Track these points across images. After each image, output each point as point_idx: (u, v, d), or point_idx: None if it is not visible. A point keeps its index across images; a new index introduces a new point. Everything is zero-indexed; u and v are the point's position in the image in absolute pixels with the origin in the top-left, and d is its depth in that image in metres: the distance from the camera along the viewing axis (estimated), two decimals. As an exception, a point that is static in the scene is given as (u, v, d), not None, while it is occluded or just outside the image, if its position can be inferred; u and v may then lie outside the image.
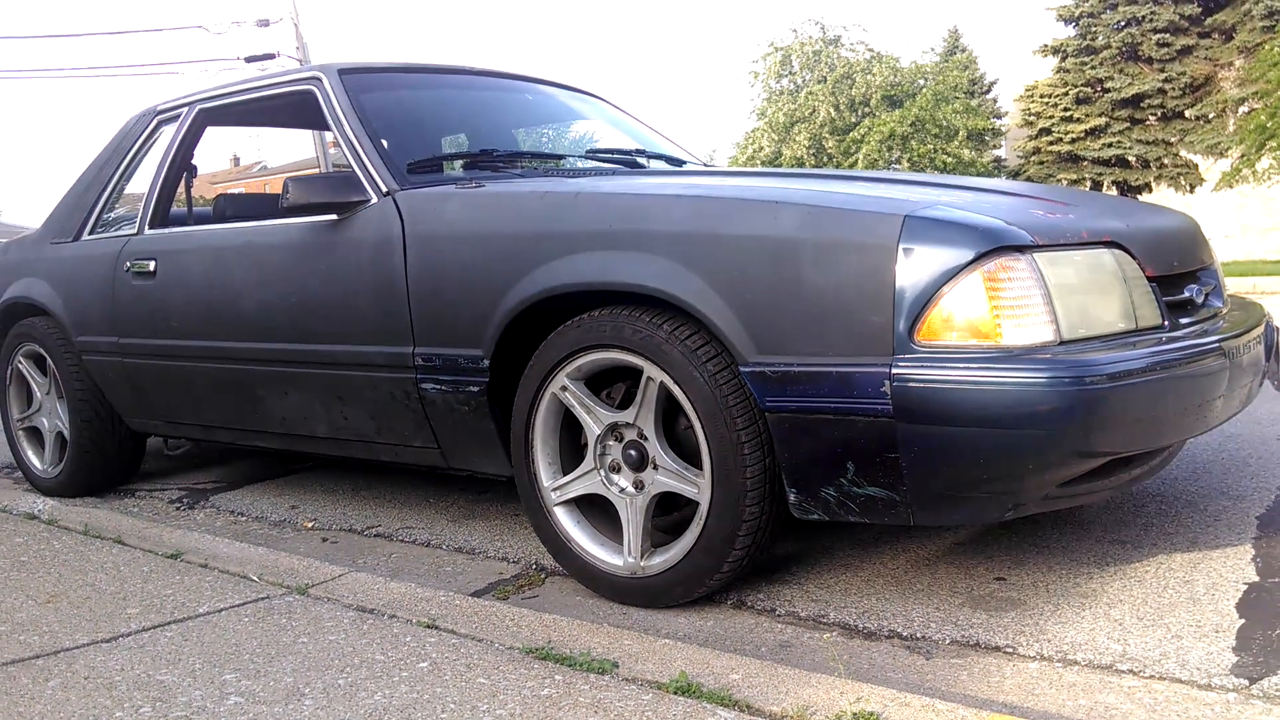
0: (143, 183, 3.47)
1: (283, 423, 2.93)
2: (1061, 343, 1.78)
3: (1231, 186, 21.23)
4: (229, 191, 3.59)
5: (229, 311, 2.91)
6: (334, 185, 2.61)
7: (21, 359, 3.68)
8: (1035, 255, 1.80)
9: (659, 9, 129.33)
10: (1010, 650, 1.86)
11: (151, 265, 3.14)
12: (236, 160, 47.61)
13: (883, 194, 2.06)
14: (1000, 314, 1.75)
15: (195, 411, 3.21)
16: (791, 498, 1.97)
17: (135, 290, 3.19)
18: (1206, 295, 2.25)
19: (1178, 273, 2.17)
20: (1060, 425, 1.72)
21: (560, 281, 2.17)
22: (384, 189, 2.57)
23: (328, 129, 2.89)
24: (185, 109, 3.38)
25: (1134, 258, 1.98)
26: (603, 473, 2.22)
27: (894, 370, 1.78)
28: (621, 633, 1.77)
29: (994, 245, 1.77)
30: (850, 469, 1.88)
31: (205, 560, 2.30)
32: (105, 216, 3.53)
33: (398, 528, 2.97)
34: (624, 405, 2.21)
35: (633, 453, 2.17)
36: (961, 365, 1.74)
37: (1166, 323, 1.99)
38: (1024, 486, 1.83)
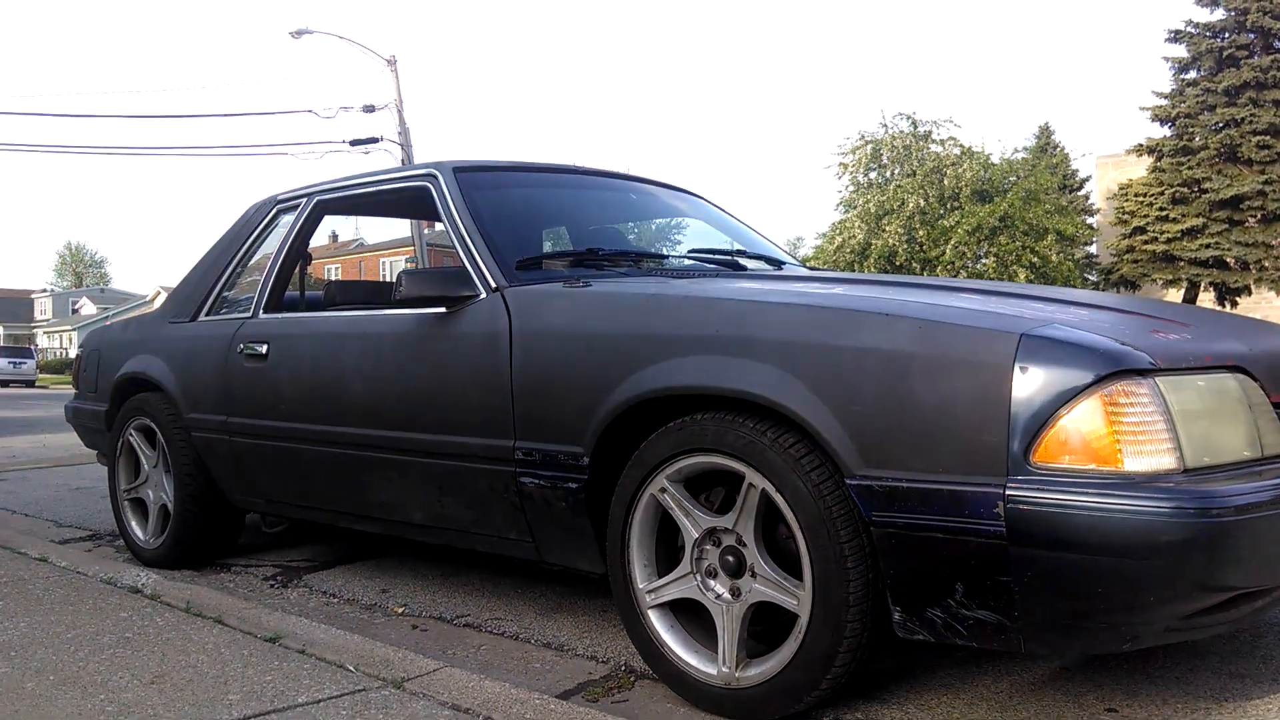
0: (260, 268, 3.62)
1: (381, 508, 2.98)
2: (1185, 471, 1.72)
3: (1333, 289, 20.58)
4: (339, 280, 3.71)
5: (336, 396, 2.99)
6: (446, 280, 2.68)
7: (133, 432, 3.81)
8: (1157, 379, 1.76)
9: (743, 99, 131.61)
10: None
11: (264, 348, 3.25)
12: (335, 237, 49.27)
13: (996, 308, 2.04)
14: (1121, 439, 1.71)
15: (296, 492, 3.28)
16: (896, 616, 1.93)
17: (247, 372, 3.30)
18: None
19: None
20: (1184, 558, 1.66)
21: (664, 384, 2.18)
22: (493, 285, 2.63)
23: (439, 220, 2.98)
24: (304, 199, 3.52)
25: (1258, 382, 1.93)
26: (699, 577, 2.20)
27: (1008, 491, 1.73)
28: (720, 751, 1.73)
29: (1115, 368, 1.73)
30: (959, 590, 1.83)
31: (303, 646, 2.32)
32: (223, 299, 3.67)
33: (487, 618, 2.96)
34: (723, 510, 2.20)
35: (730, 559, 2.15)
36: (1080, 490, 1.69)
37: None
38: (1143, 619, 1.75)
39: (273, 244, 3.55)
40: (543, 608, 3.05)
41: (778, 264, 3.38)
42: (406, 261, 36.43)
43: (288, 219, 3.55)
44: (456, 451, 2.64)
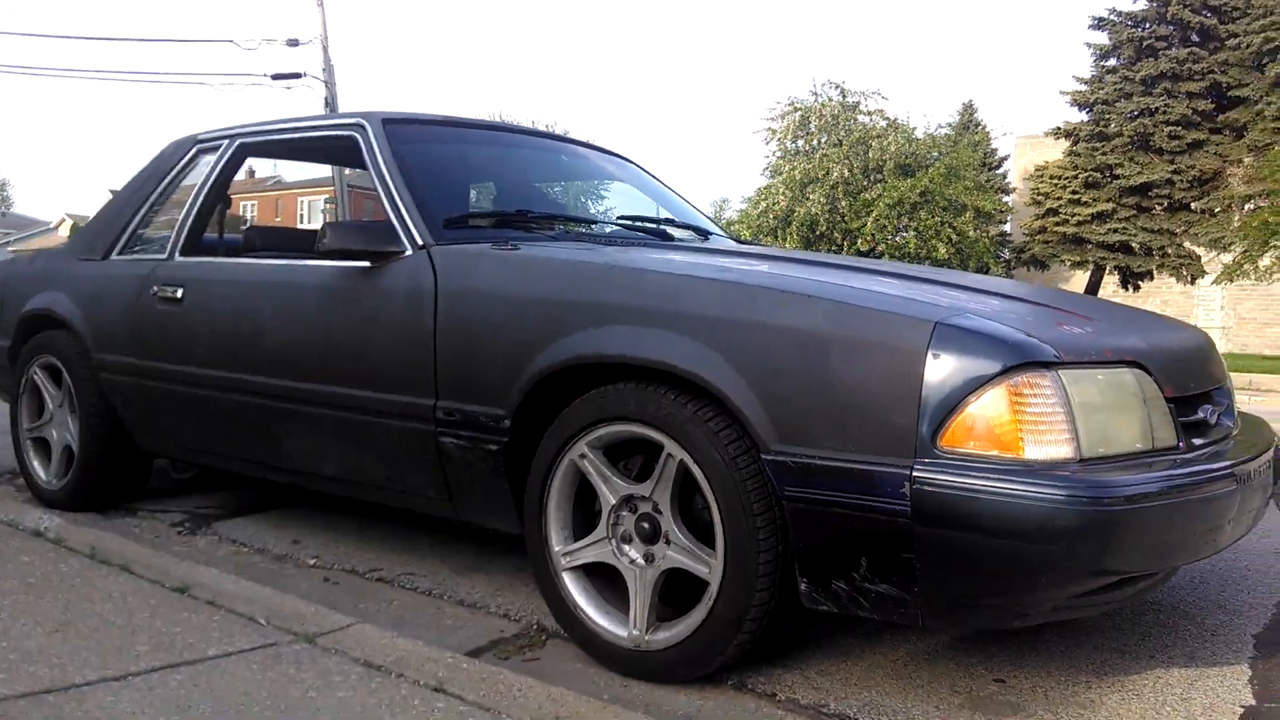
0: (176, 209, 3.53)
1: (295, 459, 2.96)
2: (1081, 460, 1.81)
3: (1232, 280, 21.45)
4: (259, 225, 3.64)
5: (252, 345, 2.95)
6: (371, 234, 2.66)
7: (38, 370, 3.70)
8: (1060, 372, 1.84)
9: (675, 60, 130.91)
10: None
11: (179, 292, 3.18)
12: (252, 173, 47.81)
13: (914, 295, 2.11)
14: (1023, 428, 1.79)
15: (207, 438, 3.24)
16: (802, 587, 2.00)
17: (160, 314, 3.23)
18: (1219, 416, 2.28)
19: (1193, 393, 2.21)
20: (1076, 543, 1.75)
21: (589, 351, 2.21)
22: (420, 242, 2.61)
23: (365, 168, 2.94)
24: (226, 141, 3.43)
25: (1153, 378, 2.02)
26: (614, 542, 2.25)
27: (915, 473, 1.81)
28: (629, 714, 1.78)
29: (1021, 360, 1.81)
30: (864, 565, 1.90)
31: (212, 597, 2.31)
32: (136, 238, 3.58)
33: (400, 573, 2.97)
34: (641, 477, 2.24)
35: (646, 525, 2.20)
36: (982, 474, 1.77)
37: (1181, 444, 2.03)
38: (1034, 598, 1.85)
39: (191, 185, 3.46)
40: (457, 565, 3.06)
41: (705, 234, 3.41)
42: (326, 202, 35.60)
43: (208, 159, 3.46)
44: (375, 407, 2.63)
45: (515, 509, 2.44)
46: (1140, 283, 25.90)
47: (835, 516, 1.90)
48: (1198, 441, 2.11)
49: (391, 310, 2.60)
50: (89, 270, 3.60)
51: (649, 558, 2.20)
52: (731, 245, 3.27)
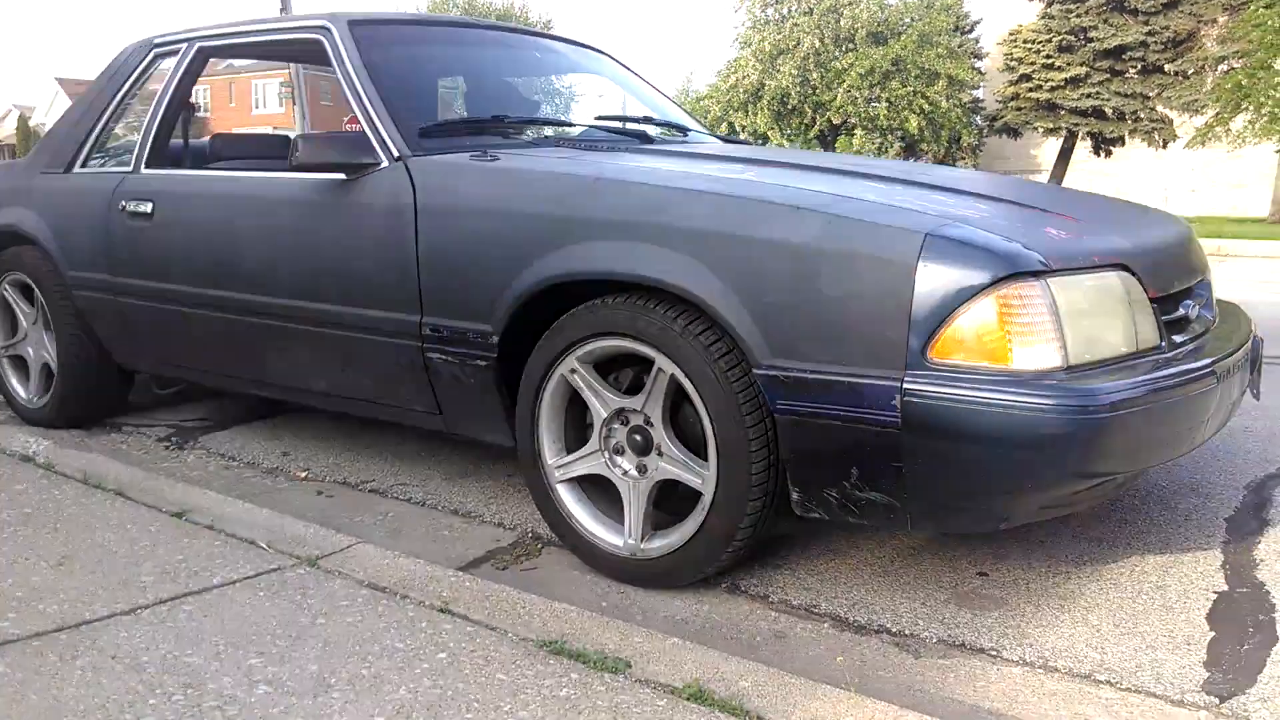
0: (137, 117, 3.42)
1: (281, 375, 2.95)
2: (1068, 368, 1.84)
3: (1204, 144, 21.40)
4: (225, 133, 3.54)
5: (229, 261, 2.90)
6: (345, 146, 2.59)
7: (8, 287, 3.64)
8: (1049, 280, 1.85)
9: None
10: (995, 653, 1.96)
11: (148, 207, 3.10)
12: (202, 55, 46.12)
13: (901, 202, 2.09)
14: (1011, 338, 1.81)
15: (189, 355, 3.22)
16: (794, 495, 2.04)
17: (131, 230, 3.16)
18: (1199, 309, 2.31)
19: (1176, 290, 2.23)
20: (1062, 449, 1.79)
21: (578, 268, 2.19)
22: (395, 153, 2.56)
23: (332, 71, 2.84)
24: (185, 45, 3.31)
25: (1138, 279, 2.04)
26: (607, 455, 2.28)
27: (905, 385, 1.83)
28: (632, 629, 1.84)
29: (1010, 270, 1.82)
30: (854, 474, 1.94)
31: (211, 521, 2.33)
32: (98, 150, 3.47)
33: (392, 484, 3.01)
34: (631, 390, 2.26)
35: (638, 438, 2.23)
36: (971, 385, 1.79)
37: (1164, 343, 2.07)
38: (1020, 501, 1.91)
39: (151, 91, 3.35)
40: (449, 473, 3.10)
41: (683, 130, 3.37)
42: (281, 85, 34.54)
43: (167, 64, 3.34)
44: (359, 324, 2.61)
45: (507, 423, 2.46)
46: (1112, 148, 25.83)
47: (826, 428, 1.93)
48: (1179, 339, 2.15)
49: (370, 225, 2.56)
50: (53, 184, 3.50)
51: (641, 469, 2.23)
52: (713, 146, 3.20)
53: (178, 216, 3.06)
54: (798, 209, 1.99)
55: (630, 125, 3.11)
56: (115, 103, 3.46)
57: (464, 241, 2.40)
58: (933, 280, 1.82)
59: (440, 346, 2.46)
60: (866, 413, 1.88)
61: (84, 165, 3.47)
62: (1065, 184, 26.19)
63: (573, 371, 2.26)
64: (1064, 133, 25.24)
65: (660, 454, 2.20)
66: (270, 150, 3.44)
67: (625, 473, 2.26)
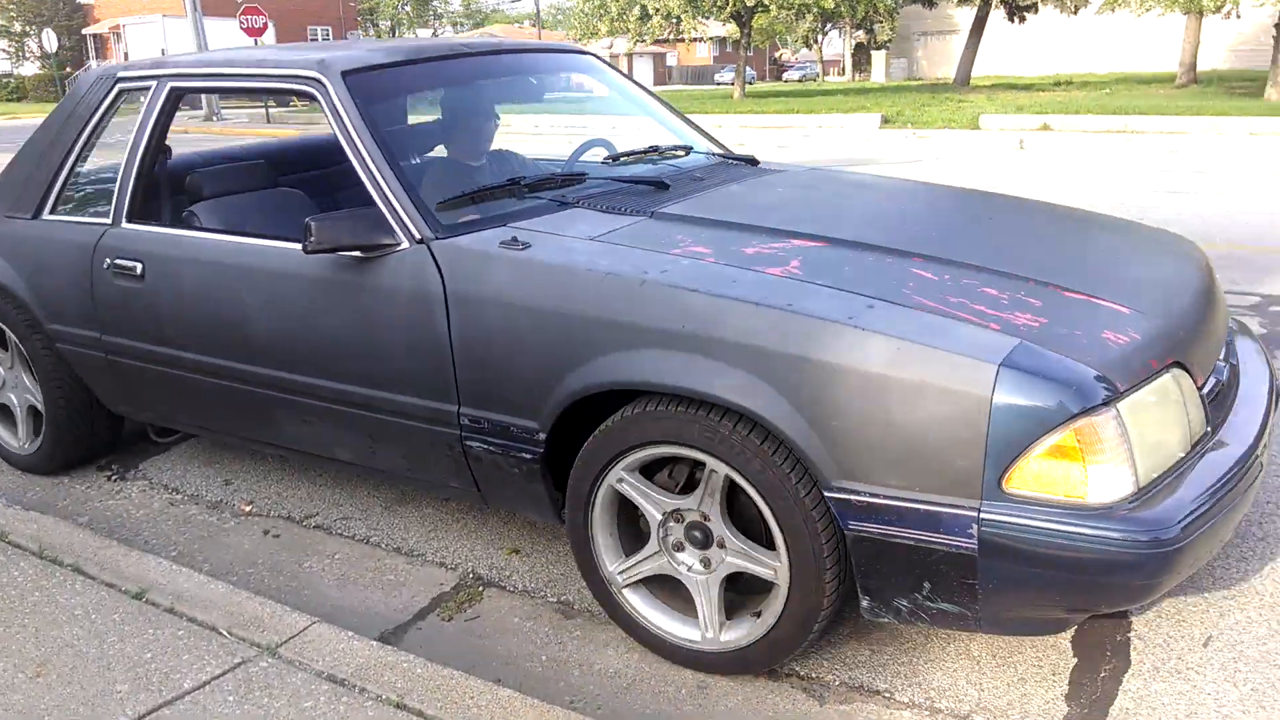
0: (105, 159, 3.31)
1: (302, 442, 2.90)
2: (1138, 490, 1.88)
3: (1113, 11, 21.64)
4: (202, 170, 3.31)
5: (237, 333, 2.80)
6: (363, 228, 2.49)
7: None
8: (1119, 405, 1.88)
9: None
10: (888, 696, 2.21)
11: (138, 268, 2.97)
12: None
13: (958, 304, 2.06)
14: (1087, 470, 1.85)
15: (195, 414, 3.13)
16: (864, 603, 2.09)
17: (120, 291, 3.03)
18: (1225, 370, 2.38)
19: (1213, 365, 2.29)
20: (1135, 574, 1.86)
21: (632, 378, 2.16)
22: (417, 235, 2.48)
23: (329, 124, 2.71)
24: (154, 82, 3.12)
25: (1188, 371, 2.08)
26: (668, 554, 2.31)
27: (982, 515, 1.88)
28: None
29: (1086, 405, 1.84)
30: (926, 587, 2.00)
31: (171, 603, 2.44)
32: (69, 194, 3.31)
33: (336, 518, 3.16)
34: (684, 489, 2.28)
35: (696, 533, 2.26)
36: (1048, 517, 1.85)
37: (1210, 427, 2.12)
38: (1086, 612, 2.02)
39: (121, 132, 3.17)
40: (387, 500, 3.24)
41: (687, 149, 3.35)
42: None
43: (138, 103, 3.15)
44: (387, 407, 2.57)
45: (552, 505, 2.46)
46: (1026, 14, 25.94)
47: (900, 548, 1.97)
48: (1214, 410, 2.18)
49: (395, 310, 2.48)
50: (22, 230, 3.32)
51: (706, 563, 2.26)
52: (730, 184, 3.04)
53: (173, 281, 2.92)
54: (864, 332, 1.96)
55: (646, 176, 2.97)
56: (81, 143, 3.27)
57: (504, 336, 2.33)
58: (1008, 414, 1.84)
59: (481, 436, 2.44)
60: (942, 539, 1.92)
61: (53, 211, 3.29)
62: (980, 51, 26.28)
63: (620, 481, 2.28)
64: (977, 2, 25.24)
65: (723, 546, 2.23)
66: (252, 180, 3.32)
67: (690, 568, 2.28)
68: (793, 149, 13.14)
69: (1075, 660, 2.29)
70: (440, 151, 3.24)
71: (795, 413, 1.99)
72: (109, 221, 3.12)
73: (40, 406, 3.46)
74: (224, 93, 3.28)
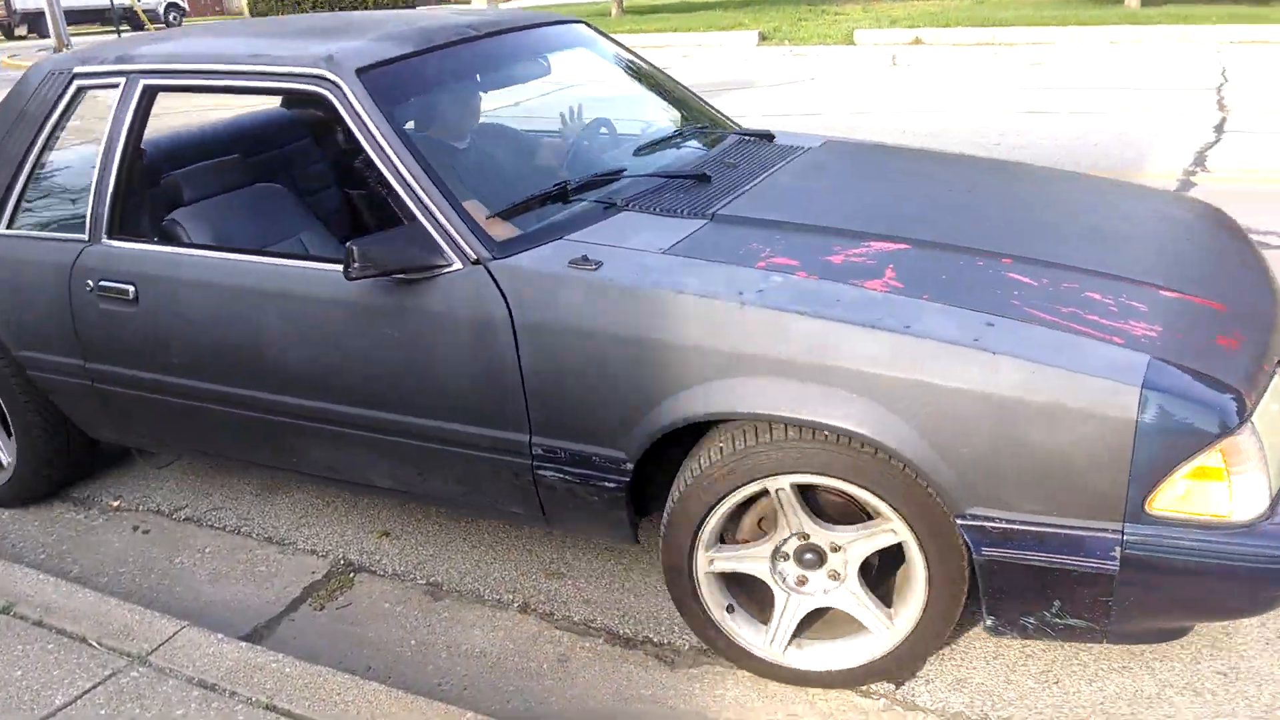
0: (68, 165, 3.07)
1: (337, 470, 2.69)
2: (1272, 501, 1.89)
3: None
4: (182, 171, 3.02)
5: (259, 362, 2.57)
6: (411, 250, 2.28)
7: None
8: (1254, 419, 1.87)
9: None
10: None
11: (129, 290, 2.69)
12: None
13: (1077, 317, 2.01)
14: (1232, 487, 1.85)
15: (201, 441, 2.89)
16: (989, 621, 2.07)
17: (109, 316, 2.75)
18: None
19: None
20: (1271, 585, 1.88)
21: (738, 409, 2.05)
22: (471, 255, 2.29)
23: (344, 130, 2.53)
24: (121, 80, 2.79)
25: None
26: (772, 562, 2.26)
27: (1126, 536, 1.87)
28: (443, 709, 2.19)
29: (1230, 426, 1.82)
30: (1056, 605, 1.99)
31: (40, 616, 2.46)
32: (27, 204, 2.98)
33: (206, 509, 3.16)
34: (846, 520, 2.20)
35: (810, 555, 2.21)
36: (1193, 535, 1.85)
37: None
38: (1215, 619, 2.03)
39: (84, 134, 2.96)
40: (257, 488, 3.27)
41: (702, 129, 3.20)
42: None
43: (103, 100, 2.84)
44: (442, 436, 2.41)
45: (632, 528, 2.37)
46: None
47: (1033, 570, 1.95)
48: None
49: (450, 337, 2.29)
50: None
51: (801, 581, 2.23)
52: (766, 160, 2.93)
53: (175, 306, 2.65)
54: (992, 356, 1.90)
55: (685, 171, 2.78)
56: (39, 148, 2.93)
57: (584, 366, 2.19)
58: (1153, 437, 1.81)
59: (557, 466, 2.31)
60: (1081, 560, 1.91)
61: (11, 225, 2.96)
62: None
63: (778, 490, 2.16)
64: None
65: (835, 578, 2.20)
66: (234, 179, 3.07)
67: (785, 580, 2.25)
68: (673, 71, 13.08)
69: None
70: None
71: (922, 439, 1.93)
72: (85, 238, 2.81)
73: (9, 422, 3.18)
74: (212, 91, 2.76)
